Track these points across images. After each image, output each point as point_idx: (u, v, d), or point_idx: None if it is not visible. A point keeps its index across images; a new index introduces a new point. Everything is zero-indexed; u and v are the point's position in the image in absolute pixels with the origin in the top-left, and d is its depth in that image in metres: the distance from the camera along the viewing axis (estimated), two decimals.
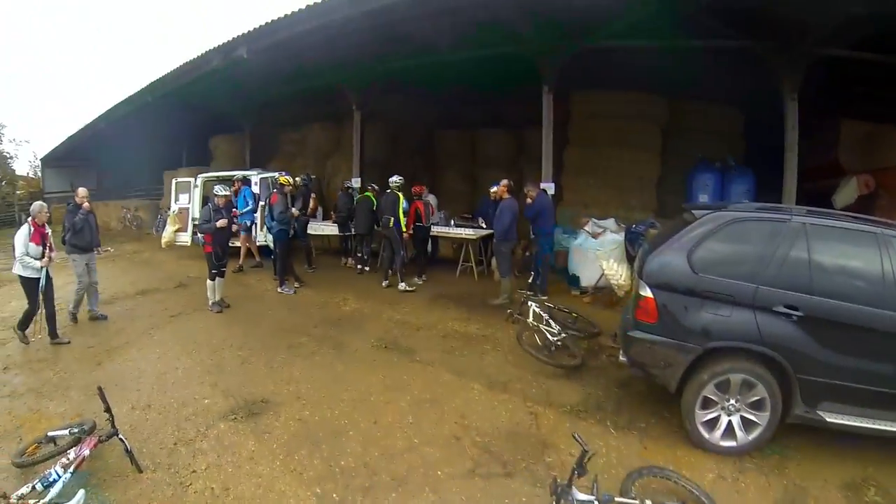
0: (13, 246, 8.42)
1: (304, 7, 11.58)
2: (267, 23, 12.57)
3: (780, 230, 5.44)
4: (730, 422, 5.39)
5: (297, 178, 14.31)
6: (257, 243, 14.93)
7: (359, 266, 13.78)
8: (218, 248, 10.17)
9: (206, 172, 18.56)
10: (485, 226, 13.34)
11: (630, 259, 10.37)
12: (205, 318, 10.00)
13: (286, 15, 12.02)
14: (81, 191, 9.73)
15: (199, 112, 22.63)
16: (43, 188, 35.56)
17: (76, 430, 5.08)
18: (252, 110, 21.37)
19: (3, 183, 39.08)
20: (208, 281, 10.38)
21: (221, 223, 9.97)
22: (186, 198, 15.88)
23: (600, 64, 13.62)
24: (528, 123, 17.91)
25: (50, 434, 5.21)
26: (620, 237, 11.05)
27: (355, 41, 13.24)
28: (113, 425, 5.04)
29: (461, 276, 13.19)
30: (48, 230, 8.66)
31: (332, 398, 6.52)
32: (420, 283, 12.23)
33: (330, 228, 15.31)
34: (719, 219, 5.64)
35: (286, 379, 7.11)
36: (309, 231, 14.80)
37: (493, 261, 12.53)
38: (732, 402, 5.36)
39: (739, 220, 5.65)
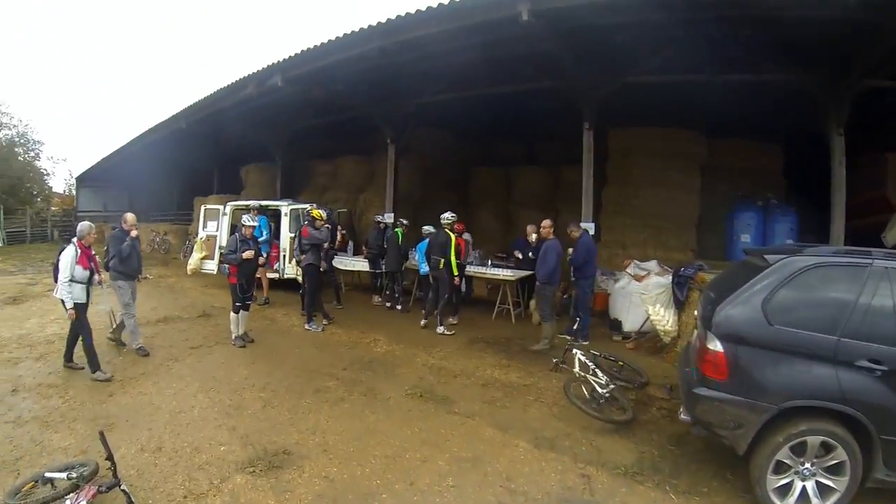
0: (56, 267, 7.69)
1: (336, 37, 11.24)
2: (301, 52, 12.24)
3: (862, 275, 4.80)
4: (804, 488, 4.73)
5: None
6: (285, 276, 14.45)
7: (388, 304, 13.19)
8: (243, 280, 9.61)
9: (237, 201, 18.17)
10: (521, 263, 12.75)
11: (678, 304, 9.67)
12: (227, 353, 9.37)
13: (319, 45, 11.68)
14: (130, 217, 9.09)
15: (232, 140, 22.70)
16: (77, 206, 36.54)
17: (75, 475, 4.43)
18: (284, 140, 21.08)
19: (39, 199, 39.61)
20: (231, 314, 9.78)
21: (248, 254, 9.40)
22: (214, 225, 15.40)
23: (638, 100, 13.26)
24: (565, 161, 17.84)
25: (47, 475, 4.62)
26: (666, 281, 10.34)
27: (389, 74, 13.02)
28: (115, 475, 4.45)
29: (497, 318, 12.40)
30: (94, 252, 8.17)
31: (363, 453, 5.79)
32: (453, 323, 11.53)
33: (361, 264, 14.73)
34: (795, 264, 4.98)
35: (312, 427, 6.40)
36: (339, 266, 14.41)
37: (532, 303, 11.93)
38: (808, 466, 4.71)
39: (818, 265, 4.97)
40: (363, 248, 14.94)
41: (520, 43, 10.49)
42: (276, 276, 14.47)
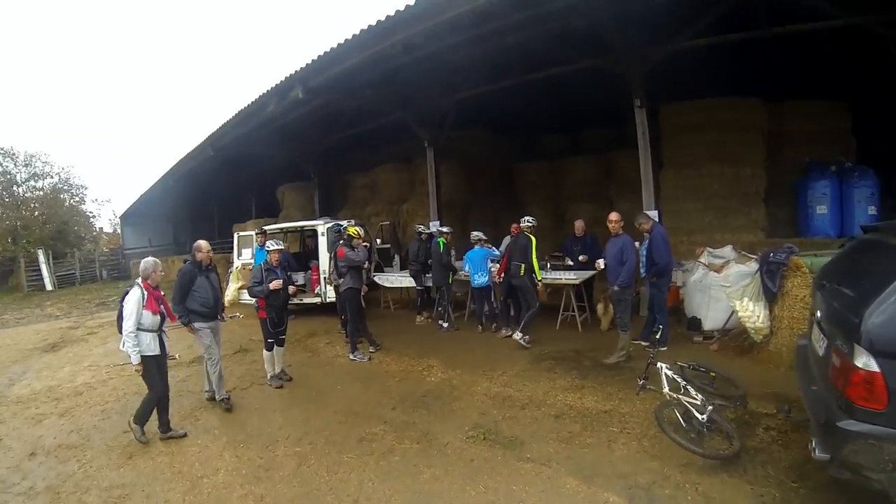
0: (120, 315, 6.47)
1: (352, 36, 9.95)
2: (317, 57, 11.02)
3: None
4: None
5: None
6: (326, 300, 13.35)
7: (440, 322, 11.81)
8: (273, 314, 8.47)
9: (274, 224, 17.35)
10: (571, 262, 11.48)
11: (769, 296, 8.18)
12: (262, 396, 8.27)
13: (336, 46, 10.40)
14: (204, 245, 7.74)
15: (265, 161, 21.86)
16: (123, 244, 37.09)
17: None
18: (318, 156, 20.16)
19: (87, 241, 40.28)
20: (265, 351, 8.63)
21: (275, 284, 8.24)
22: (249, 252, 14.40)
23: (688, 70, 11.96)
24: (614, 147, 16.84)
25: None
26: (749, 269, 8.91)
27: (417, 72, 11.81)
28: None
29: (562, 327, 10.89)
30: (163, 292, 6.90)
31: None
32: (519, 339, 9.99)
33: (407, 280, 13.45)
34: None
35: (354, 493, 5.15)
36: (384, 283, 13.48)
37: (599, 307, 10.58)
38: None
39: None
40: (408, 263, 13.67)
41: (556, 19, 9.26)
42: (317, 300, 13.44)
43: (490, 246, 11.47)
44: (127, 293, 6.46)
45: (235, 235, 15.26)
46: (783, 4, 9.71)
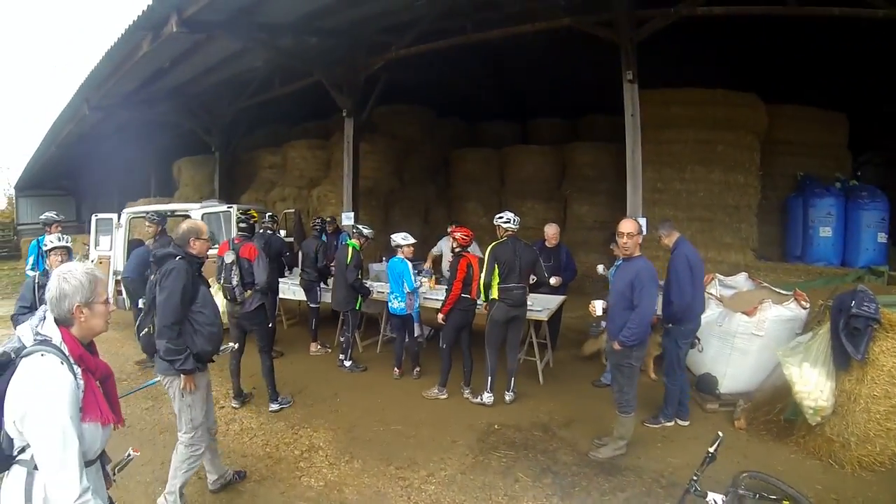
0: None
1: None
2: None
3: None
4: None
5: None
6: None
7: (341, 358, 7.80)
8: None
9: (162, 204, 13.84)
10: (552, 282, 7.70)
11: (842, 363, 5.12)
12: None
13: None
14: (200, 227, 4.40)
15: (166, 130, 17.96)
16: (16, 219, 32.05)
17: None
18: (223, 127, 16.17)
19: None
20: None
21: None
22: (108, 241, 10.59)
23: (679, 48, 10.48)
24: (566, 139, 15.16)
25: None
26: (795, 314, 6.01)
27: (340, 16, 9.35)
28: None
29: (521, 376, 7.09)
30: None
31: None
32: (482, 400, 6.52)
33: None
34: None
35: None
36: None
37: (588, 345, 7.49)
38: None
39: None
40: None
41: None
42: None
43: (409, 258, 7.41)
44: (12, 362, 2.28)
45: (93, 219, 11.27)
46: None
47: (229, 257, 6.19)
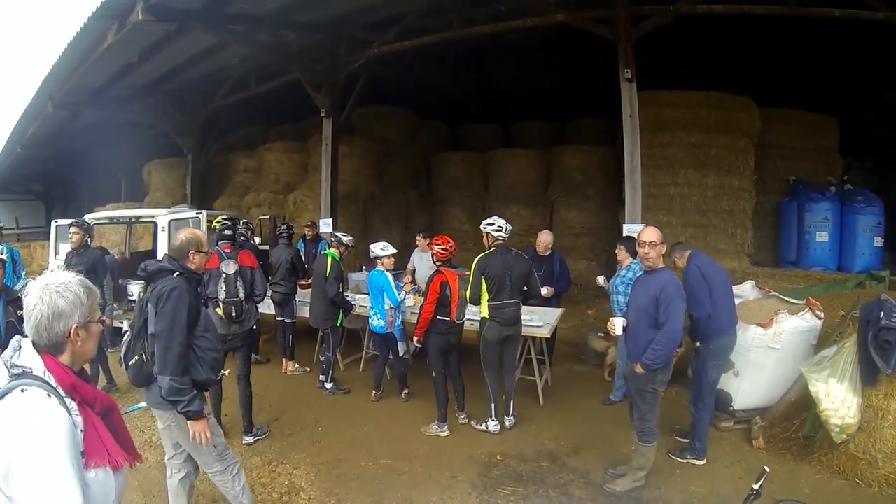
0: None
1: None
2: None
3: None
4: None
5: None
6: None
7: (321, 380, 7.08)
8: None
9: (131, 209, 13.22)
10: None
11: (871, 379, 4.72)
12: None
13: None
14: (198, 238, 3.79)
15: (139, 132, 17.25)
16: None
17: None
18: (196, 128, 15.37)
19: None
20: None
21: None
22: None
23: (669, 47, 10.58)
24: (552, 142, 14.44)
25: None
26: (811, 325, 5.66)
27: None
28: None
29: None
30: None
31: None
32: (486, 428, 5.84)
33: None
34: None
35: None
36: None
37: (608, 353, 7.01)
38: None
39: None
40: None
41: None
42: None
43: (390, 270, 6.73)
44: None
45: (53, 225, 10.39)
46: None
47: (231, 267, 5.43)
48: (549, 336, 6.43)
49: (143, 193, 18.40)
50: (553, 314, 6.82)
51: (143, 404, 3.67)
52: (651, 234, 4.40)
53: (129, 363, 3.47)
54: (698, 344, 5.14)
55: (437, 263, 5.84)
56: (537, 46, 11.07)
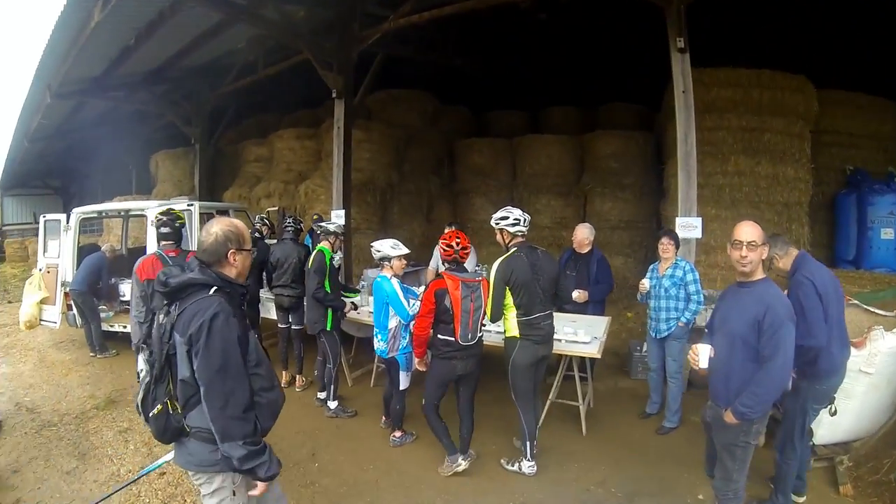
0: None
1: None
2: None
3: None
4: None
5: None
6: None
7: (321, 398, 6.25)
8: None
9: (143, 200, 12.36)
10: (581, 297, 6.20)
11: None
12: None
13: None
14: (220, 226, 2.67)
15: (146, 121, 16.59)
16: (2, 220, 29.87)
17: None
18: (203, 117, 14.56)
19: None
20: None
21: None
22: (56, 247, 8.92)
23: (725, 22, 9.81)
24: (581, 128, 13.38)
25: None
26: None
27: None
28: None
29: (548, 422, 5.45)
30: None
31: None
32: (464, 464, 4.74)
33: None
34: None
35: None
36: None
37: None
38: None
39: None
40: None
41: None
42: None
43: (400, 275, 5.40)
44: None
45: (41, 220, 9.57)
46: None
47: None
48: (599, 356, 5.20)
49: (152, 186, 17.74)
50: (599, 325, 5.73)
51: (170, 456, 2.69)
52: (751, 232, 3.18)
53: (150, 414, 2.51)
54: (800, 381, 3.88)
55: (444, 264, 4.70)
56: (567, 25, 10.03)
